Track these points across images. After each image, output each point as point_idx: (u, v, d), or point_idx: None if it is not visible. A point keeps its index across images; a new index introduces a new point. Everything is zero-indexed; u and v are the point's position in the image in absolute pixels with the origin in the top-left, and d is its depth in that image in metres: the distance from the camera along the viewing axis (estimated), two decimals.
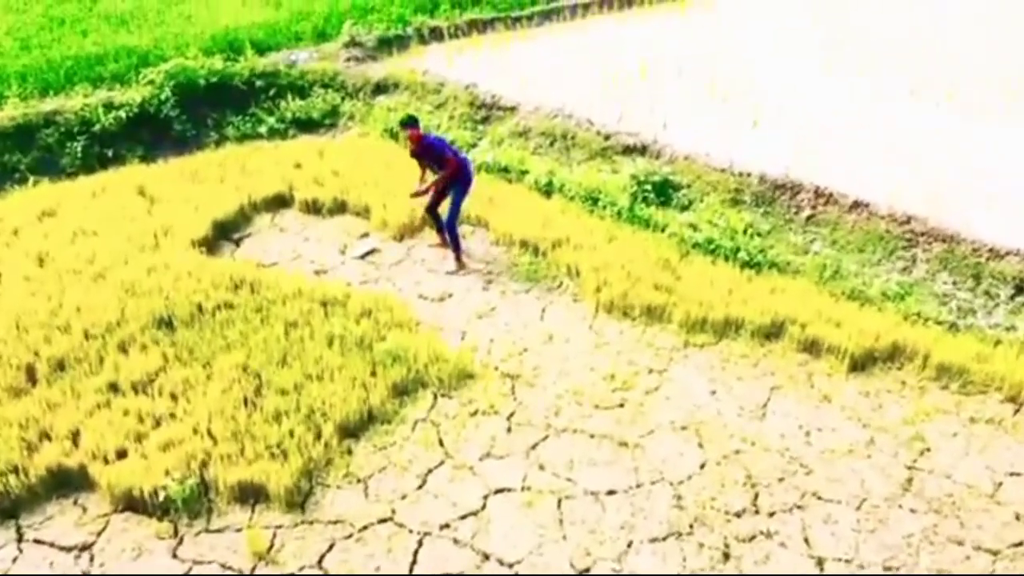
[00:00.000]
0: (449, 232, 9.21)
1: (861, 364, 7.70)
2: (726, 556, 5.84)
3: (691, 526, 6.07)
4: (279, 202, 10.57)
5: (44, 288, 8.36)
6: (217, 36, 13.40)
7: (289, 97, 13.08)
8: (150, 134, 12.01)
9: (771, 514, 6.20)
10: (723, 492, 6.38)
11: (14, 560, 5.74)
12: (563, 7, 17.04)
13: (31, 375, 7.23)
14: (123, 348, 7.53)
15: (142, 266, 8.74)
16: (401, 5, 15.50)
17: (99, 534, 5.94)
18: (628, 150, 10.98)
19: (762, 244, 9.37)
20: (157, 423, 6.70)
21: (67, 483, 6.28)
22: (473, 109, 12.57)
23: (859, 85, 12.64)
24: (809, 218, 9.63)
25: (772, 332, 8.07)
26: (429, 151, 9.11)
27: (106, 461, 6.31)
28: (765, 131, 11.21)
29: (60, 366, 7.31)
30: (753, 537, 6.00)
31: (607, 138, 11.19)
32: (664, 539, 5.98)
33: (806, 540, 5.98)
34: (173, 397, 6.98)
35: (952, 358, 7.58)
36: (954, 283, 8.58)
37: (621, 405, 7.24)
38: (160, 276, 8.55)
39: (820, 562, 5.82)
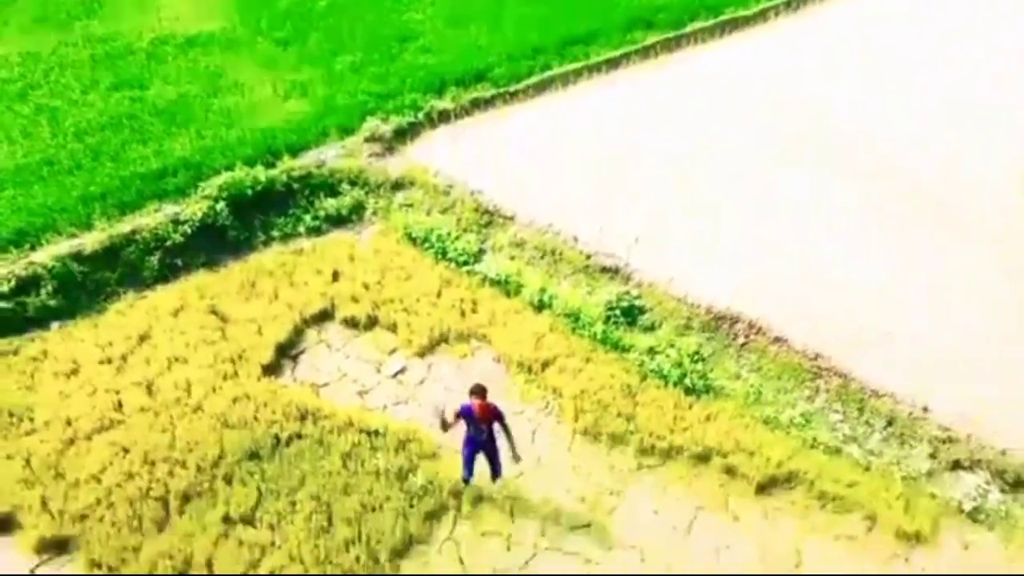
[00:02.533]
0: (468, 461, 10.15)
1: (765, 487, 10.57)
2: None
3: None
4: (323, 316, 13.23)
5: (159, 421, 11.10)
6: (257, 143, 15.67)
7: (322, 196, 15.49)
8: (209, 242, 14.49)
9: None
10: None
11: None
12: (555, 76, 19.15)
13: (165, 507, 10.07)
14: (228, 480, 10.36)
15: (228, 396, 11.47)
16: (412, 89, 17.64)
17: None
18: (605, 270, 13.54)
19: (704, 369, 12.10)
20: (263, 551, 9.58)
21: None
22: (478, 214, 15.02)
23: (806, 198, 14.96)
24: (743, 345, 12.32)
25: (703, 457, 10.91)
26: (495, 415, 9.81)
27: None
28: (719, 251, 13.72)
29: (186, 498, 10.15)
30: None
31: (588, 257, 13.73)
32: None
33: None
34: (271, 527, 9.84)
35: (830, 486, 10.44)
36: (844, 413, 11.36)
37: (589, 525, 10.13)
38: (244, 408, 11.29)
39: None
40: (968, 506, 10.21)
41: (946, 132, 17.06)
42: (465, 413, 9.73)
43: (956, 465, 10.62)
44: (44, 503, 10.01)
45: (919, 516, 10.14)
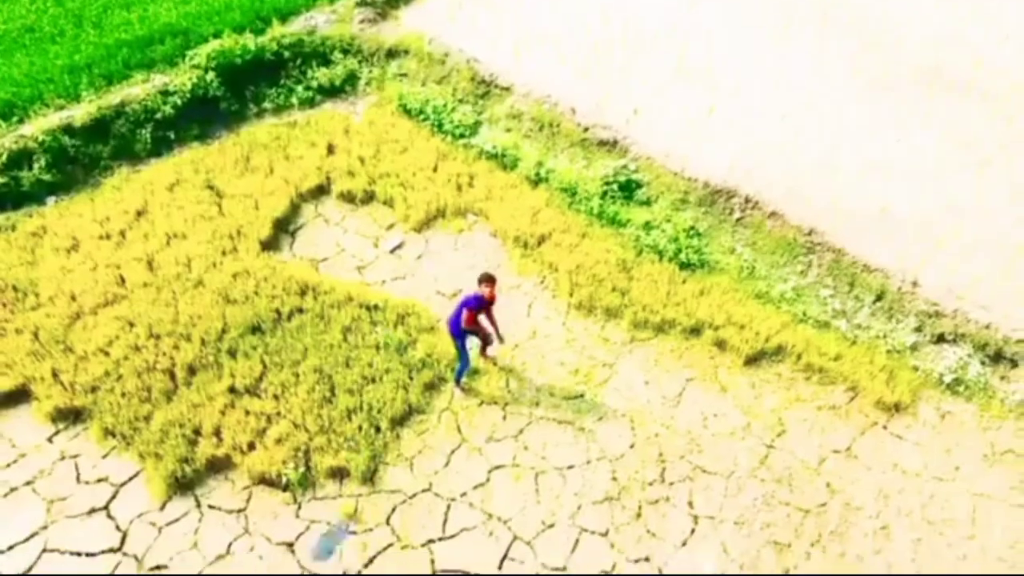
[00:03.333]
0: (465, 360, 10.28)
1: (754, 359, 10.88)
2: (638, 515, 9.40)
3: (620, 493, 9.57)
4: (320, 191, 13.17)
5: (162, 296, 11.30)
6: (244, 7, 15.06)
7: (314, 65, 15.07)
8: (201, 113, 14.21)
9: (671, 484, 9.68)
10: (643, 467, 9.82)
11: (199, 520, 9.28)
12: None
13: (172, 378, 10.43)
14: (232, 354, 10.66)
15: (228, 272, 11.62)
16: None
17: (247, 501, 9.46)
18: (602, 143, 13.34)
19: (699, 244, 12.16)
20: (269, 420, 10.00)
21: (219, 466, 9.70)
22: (474, 84, 14.64)
23: (802, 74, 14.49)
24: (738, 220, 12.32)
25: (695, 330, 11.17)
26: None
27: (242, 452, 9.68)
28: (717, 124, 13.45)
29: (192, 370, 10.49)
30: (657, 501, 9.52)
31: (585, 130, 13.50)
32: (602, 502, 9.50)
33: (690, 503, 9.51)
34: (276, 398, 10.22)
35: (816, 359, 10.75)
36: (834, 288, 11.52)
37: (582, 396, 10.51)
38: (244, 283, 11.47)
39: (696, 518, 9.39)
40: (949, 378, 10.54)
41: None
42: (475, 305, 9.75)
43: (940, 339, 10.88)
44: (55, 375, 10.35)
45: (900, 387, 10.49)
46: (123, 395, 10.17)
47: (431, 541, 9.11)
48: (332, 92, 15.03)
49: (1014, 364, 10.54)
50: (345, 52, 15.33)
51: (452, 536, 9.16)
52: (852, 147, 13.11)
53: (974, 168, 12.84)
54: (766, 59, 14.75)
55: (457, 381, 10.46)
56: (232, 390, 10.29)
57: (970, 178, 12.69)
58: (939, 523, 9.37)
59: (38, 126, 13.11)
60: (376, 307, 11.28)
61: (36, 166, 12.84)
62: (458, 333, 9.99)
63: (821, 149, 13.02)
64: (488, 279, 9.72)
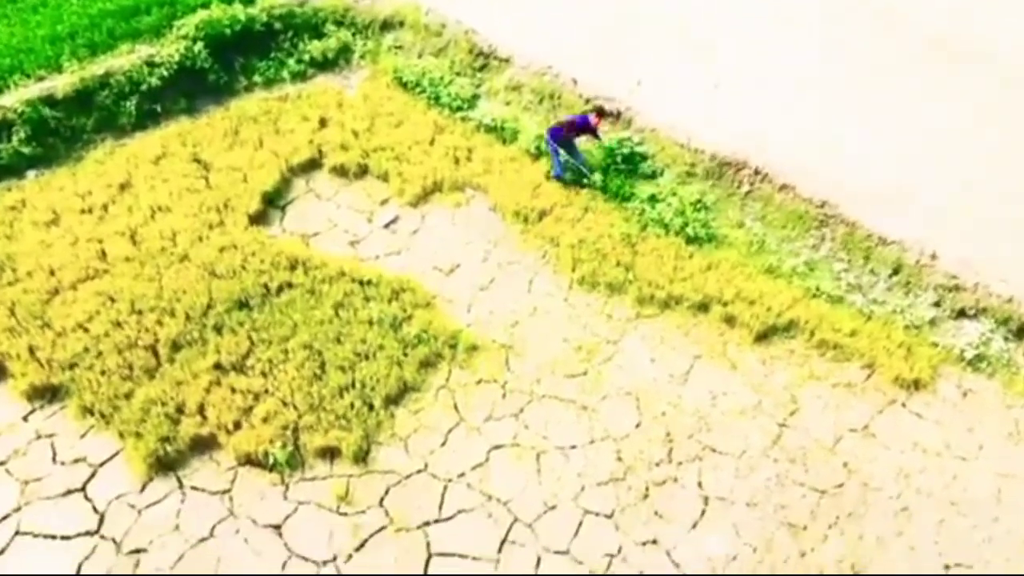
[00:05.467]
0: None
1: (764, 335, 10.39)
2: (645, 496, 8.90)
3: (625, 474, 9.08)
4: (312, 164, 12.66)
5: (145, 271, 10.79)
6: None
7: (306, 37, 14.55)
8: (189, 86, 13.68)
9: (679, 464, 9.19)
10: (649, 446, 9.33)
11: (181, 501, 8.78)
12: None
13: (155, 355, 9.92)
14: (218, 330, 10.14)
15: (215, 246, 11.11)
16: None
17: (232, 482, 8.96)
18: (606, 114, 12.83)
19: (706, 218, 11.67)
20: (256, 398, 9.49)
21: (203, 445, 9.20)
22: (472, 56, 14.13)
23: (810, 47, 13.89)
24: (747, 193, 11.82)
25: (702, 306, 10.67)
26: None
27: (227, 431, 9.17)
28: (725, 96, 12.93)
29: (175, 346, 9.97)
30: (664, 482, 9.03)
31: (588, 101, 12.98)
32: (606, 483, 9.01)
33: (699, 484, 9.02)
34: (263, 375, 9.71)
35: (830, 335, 10.26)
36: (848, 262, 11.03)
37: (585, 373, 10.01)
38: (231, 257, 10.95)
39: (706, 499, 8.90)
40: (970, 354, 10.05)
41: None
42: (579, 124, 12.08)
43: (961, 313, 10.39)
44: (32, 351, 9.84)
45: (919, 364, 9.99)
46: (103, 372, 9.67)
47: (427, 523, 8.62)
48: (325, 65, 14.50)
49: None
50: (338, 24, 14.80)
51: (449, 518, 8.68)
52: (864, 119, 12.56)
53: (988, 139, 12.30)
54: (772, 32, 14.19)
55: (558, 177, 12.19)
56: (218, 367, 9.79)
57: (985, 149, 12.15)
58: (962, 504, 8.89)
59: (18, 97, 12.56)
60: (369, 282, 10.77)
61: (15, 138, 12.31)
62: (555, 139, 11.92)
63: (832, 121, 12.48)
64: (599, 112, 12.17)
